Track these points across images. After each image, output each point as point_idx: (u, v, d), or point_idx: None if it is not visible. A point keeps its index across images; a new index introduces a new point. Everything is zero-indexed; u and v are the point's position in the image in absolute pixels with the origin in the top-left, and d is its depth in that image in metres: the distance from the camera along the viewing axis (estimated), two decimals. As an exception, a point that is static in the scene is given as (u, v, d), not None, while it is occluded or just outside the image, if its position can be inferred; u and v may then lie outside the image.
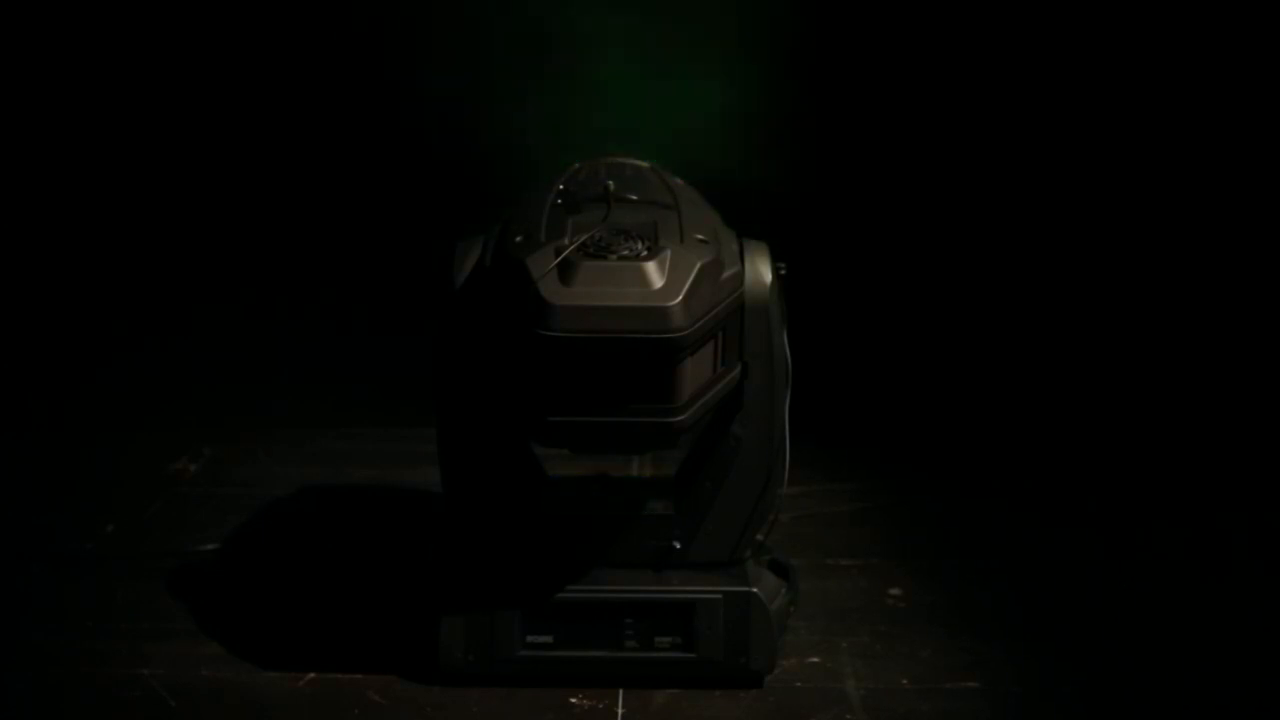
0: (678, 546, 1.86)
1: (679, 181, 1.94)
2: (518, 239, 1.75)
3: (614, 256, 1.69)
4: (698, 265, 1.70)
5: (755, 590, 1.84)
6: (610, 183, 1.83)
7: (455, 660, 1.84)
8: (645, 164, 1.96)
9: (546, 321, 1.66)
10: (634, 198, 1.84)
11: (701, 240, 1.75)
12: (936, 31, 3.10)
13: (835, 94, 3.13)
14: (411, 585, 2.07)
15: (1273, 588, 2.16)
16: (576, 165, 1.95)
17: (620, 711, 1.81)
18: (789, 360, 1.85)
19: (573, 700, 1.83)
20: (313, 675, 1.88)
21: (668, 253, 1.70)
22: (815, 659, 1.94)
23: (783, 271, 1.83)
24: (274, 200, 3.22)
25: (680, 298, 1.67)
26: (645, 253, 1.70)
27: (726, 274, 1.76)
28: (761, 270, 1.81)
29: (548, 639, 1.84)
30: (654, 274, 1.68)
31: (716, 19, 3.11)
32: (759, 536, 1.91)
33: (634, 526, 1.87)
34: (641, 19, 3.10)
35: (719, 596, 1.84)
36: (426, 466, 2.02)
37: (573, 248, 1.70)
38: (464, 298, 1.79)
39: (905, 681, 1.89)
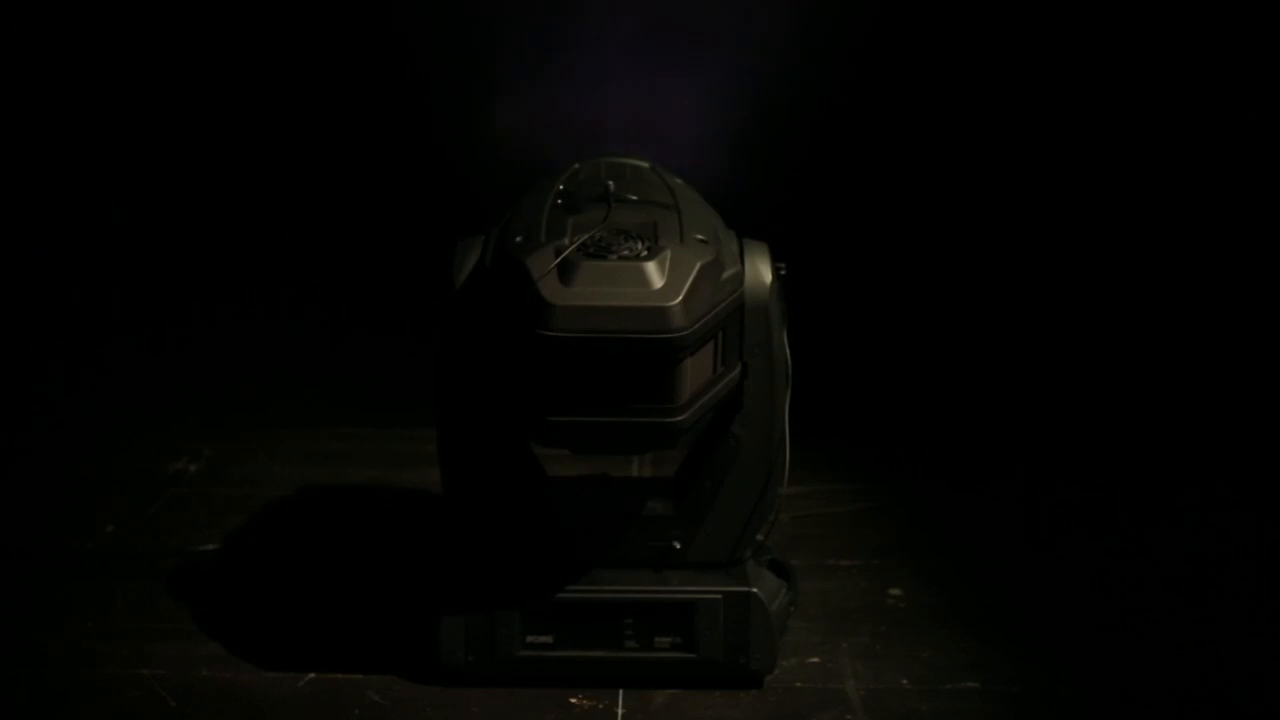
0: (678, 546, 1.86)
1: (679, 181, 1.94)
2: (518, 239, 1.75)
3: (614, 256, 1.69)
4: (698, 265, 1.70)
5: (755, 590, 1.84)
6: (610, 183, 1.83)
7: (455, 660, 1.84)
8: (645, 164, 1.96)
9: (546, 321, 1.66)
10: (634, 198, 1.84)
11: (701, 240, 1.75)
12: (937, 31, 3.10)
13: (835, 94, 3.13)
14: (411, 585, 2.07)
15: (1272, 588, 2.16)
16: (576, 165, 1.95)
17: (620, 711, 1.81)
18: (789, 360, 1.85)
19: (573, 700, 1.83)
20: (313, 675, 1.88)
21: (668, 253, 1.70)
22: (815, 659, 1.94)
23: (783, 271, 1.83)
24: (274, 200, 3.22)
25: (680, 298, 1.67)
26: (645, 253, 1.70)
27: (726, 274, 1.76)
28: (761, 270, 1.81)
29: (548, 639, 1.84)
30: (654, 274, 1.68)
31: (717, 19, 3.11)
32: (759, 537, 1.91)
33: (634, 526, 1.87)
34: (643, 18, 3.10)
35: (719, 597, 1.84)
36: (426, 466, 2.03)
37: (573, 248, 1.70)
38: (464, 298, 1.79)
39: (905, 681, 1.89)
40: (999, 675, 1.90)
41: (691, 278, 1.68)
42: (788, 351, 1.85)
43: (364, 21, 3.12)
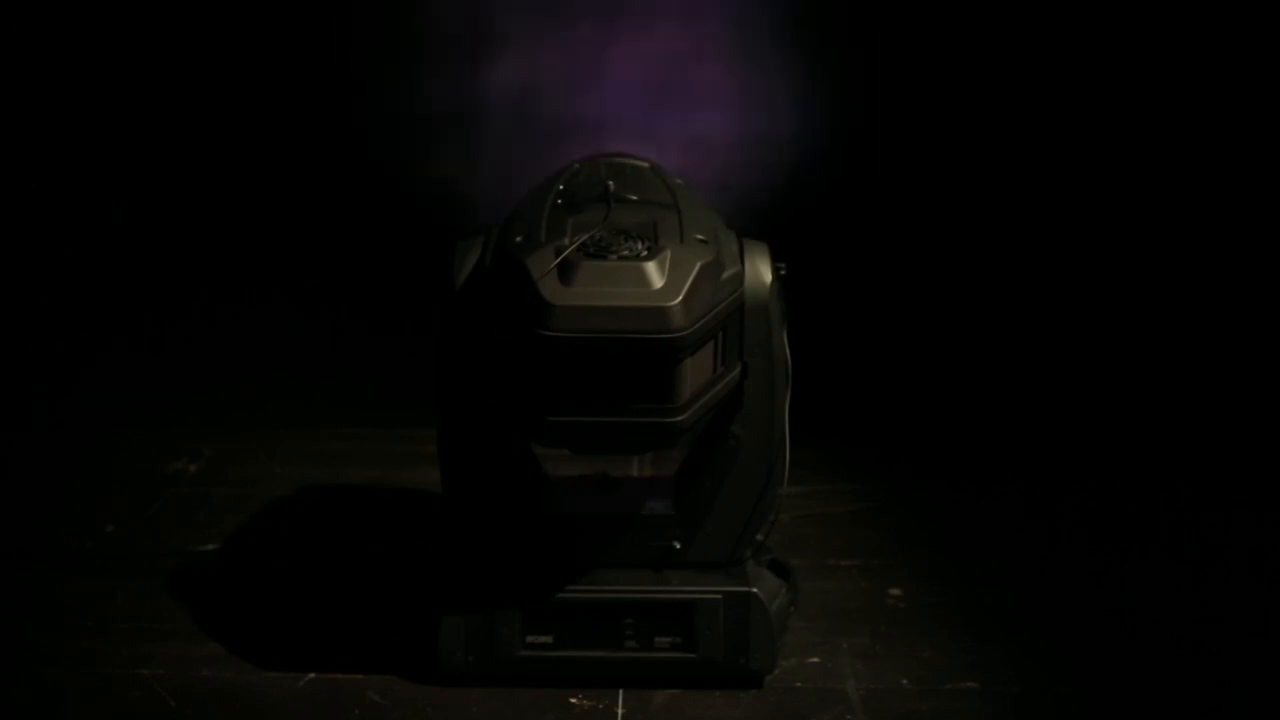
0: (678, 546, 1.86)
1: (679, 181, 1.94)
2: (518, 239, 1.75)
3: (614, 256, 1.69)
4: (698, 265, 1.70)
5: (755, 590, 1.84)
6: (610, 183, 1.83)
7: (455, 660, 1.84)
8: (645, 164, 1.96)
9: (546, 321, 1.66)
10: (634, 198, 1.84)
11: (701, 240, 1.75)
12: (937, 33, 3.10)
13: (836, 95, 3.13)
14: (411, 585, 2.07)
15: (1272, 588, 2.16)
16: (576, 165, 1.95)
17: (620, 711, 1.81)
18: (789, 360, 1.85)
19: (573, 700, 1.83)
20: (313, 675, 1.88)
21: (668, 253, 1.70)
22: (815, 659, 1.94)
23: (783, 271, 1.83)
24: (274, 201, 3.22)
25: (680, 298, 1.67)
26: (645, 253, 1.70)
27: (726, 274, 1.76)
28: (761, 270, 1.81)
29: (548, 639, 1.84)
30: (654, 274, 1.68)
31: (717, 22, 3.11)
32: (759, 537, 1.91)
33: (634, 526, 1.87)
34: (645, 19, 3.10)
35: (719, 597, 1.84)
36: (426, 466, 2.02)
37: (573, 248, 1.70)
38: (464, 298, 1.79)
39: (905, 681, 1.89)
40: (999, 675, 1.90)
41: (691, 278, 1.68)
42: (788, 351, 1.85)
43: (364, 21, 3.12)
